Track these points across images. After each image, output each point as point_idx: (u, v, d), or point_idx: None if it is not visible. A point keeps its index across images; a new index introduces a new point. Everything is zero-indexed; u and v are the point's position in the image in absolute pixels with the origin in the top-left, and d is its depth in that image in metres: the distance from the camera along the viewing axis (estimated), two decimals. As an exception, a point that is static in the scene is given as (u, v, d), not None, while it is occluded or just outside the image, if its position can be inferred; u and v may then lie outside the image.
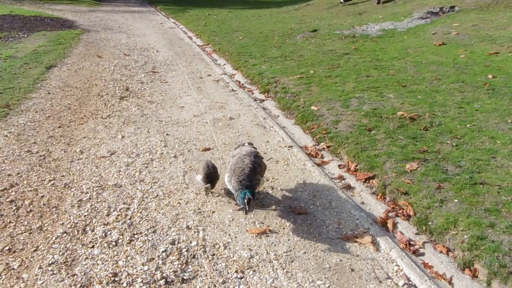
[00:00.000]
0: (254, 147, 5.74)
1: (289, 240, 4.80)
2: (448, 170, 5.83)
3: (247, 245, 4.70)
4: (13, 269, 4.40)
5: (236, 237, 4.85)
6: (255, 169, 4.88)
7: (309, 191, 5.85)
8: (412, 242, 4.79)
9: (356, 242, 4.76)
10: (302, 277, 4.22)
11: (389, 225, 5.10)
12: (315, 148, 7.39)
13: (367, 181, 6.09)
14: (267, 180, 6.10)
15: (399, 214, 5.30)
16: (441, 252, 4.60)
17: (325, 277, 4.22)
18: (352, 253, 4.58)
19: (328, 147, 7.32)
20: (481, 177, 5.55)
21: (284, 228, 5.01)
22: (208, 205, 5.50)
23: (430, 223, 4.94)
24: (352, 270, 4.33)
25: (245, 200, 4.64)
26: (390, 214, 5.31)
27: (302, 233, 4.92)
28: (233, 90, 11.17)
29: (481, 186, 5.36)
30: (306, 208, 5.41)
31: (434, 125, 7.42)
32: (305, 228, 5.01)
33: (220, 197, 5.69)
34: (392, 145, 6.71)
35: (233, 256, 4.52)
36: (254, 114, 9.19)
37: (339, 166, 6.67)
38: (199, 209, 5.41)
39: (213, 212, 5.35)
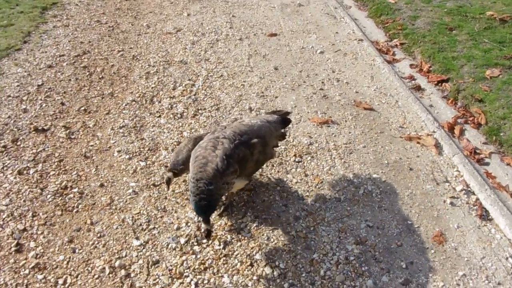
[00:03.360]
0: (277, 118, 3.84)
1: (349, 132, 4.76)
2: (533, 81, 5.34)
3: (308, 133, 4.74)
4: (89, 127, 4.75)
5: (297, 124, 4.87)
6: (226, 167, 3.11)
7: (375, 87, 5.63)
8: (477, 151, 4.60)
9: (418, 143, 4.64)
10: (359, 168, 4.26)
11: (456, 131, 4.89)
12: (387, 44, 6.93)
13: (439, 84, 5.74)
14: (333, 72, 5.92)
15: (469, 122, 5.04)
16: (508, 164, 4.42)
17: (382, 172, 4.24)
18: (412, 153, 4.50)
19: (401, 44, 6.84)
20: None
21: (346, 121, 4.95)
22: (272, 90, 5.48)
23: (501, 134, 4.68)
24: (411, 169, 4.29)
25: (202, 227, 3.39)
26: (459, 120, 5.06)
27: (364, 127, 4.86)
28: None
29: None
30: (371, 104, 5.26)
31: (526, 31, 6.64)
32: (367, 123, 4.93)
33: (284, 83, 5.62)
34: (474, 48, 6.14)
35: (292, 141, 4.60)
36: (324, 3, 8.61)
37: (411, 65, 6.28)
38: (262, 92, 5.42)
39: (276, 97, 5.34)
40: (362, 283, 3.17)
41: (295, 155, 4.38)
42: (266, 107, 5.12)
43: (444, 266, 3.31)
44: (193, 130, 4.67)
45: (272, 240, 3.48)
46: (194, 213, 3.01)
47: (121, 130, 4.67)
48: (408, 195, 3.97)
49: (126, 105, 5.11)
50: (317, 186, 4.04)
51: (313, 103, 5.24)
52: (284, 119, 3.93)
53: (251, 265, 3.26)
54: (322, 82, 5.68)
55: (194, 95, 5.31)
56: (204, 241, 3.42)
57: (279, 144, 4.09)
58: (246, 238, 3.48)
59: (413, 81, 5.91)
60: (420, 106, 5.24)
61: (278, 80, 5.70)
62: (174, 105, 5.10)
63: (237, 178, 3.27)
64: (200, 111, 5.01)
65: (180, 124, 4.79)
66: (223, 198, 3.70)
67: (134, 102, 5.16)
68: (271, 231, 3.55)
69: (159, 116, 4.91)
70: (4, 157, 4.27)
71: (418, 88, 5.72)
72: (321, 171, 4.21)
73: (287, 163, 4.31)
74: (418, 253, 3.41)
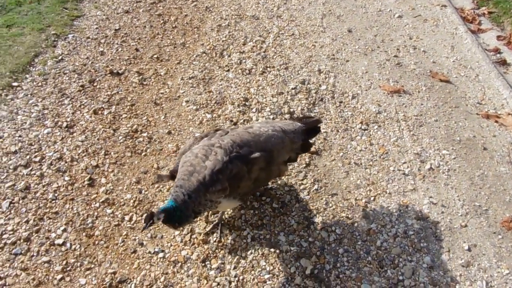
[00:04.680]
0: (299, 127, 3.23)
1: (421, 104, 4.54)
2: None
3: (377, 101, 4.57)
4: (160, 75, 4.88)
5: (366, 90, 4.71)
6: (213, 183, 2.69)
7: (455, 58, 5.26)
8: None
9: (497, 122, 4.34)
10: (428, 143, 4.08)
11: (542, 114, 4.52)
12: (473, 12, 6.39)
13: (529, 61, 5.26)
14: (410, 39, 5.58)
15: (558, 105, 4.62)
16: None
17: (452, 149, 4.03)
18: (489, 132, 4.23)
19: (489, 13, 6.29)
20: None
21: (419, 92, 4.71)
22: (343, 53, 5.30)
23: None
24: (485, 149, 4.05)
25: (145, 216, 2.77)
26: (546, 102, 4.65)
27: (438, 100, 4.60)
28: None
29: None
30: (448, 76, 4.95)
31: None
32: (442, 96, 4.66)
33: (357, 47, 5.40)
34: None
35: (360, 108, 4.46)
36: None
37: (498, 37, 5.77)
38: (333, 55, 5.25)
39: (347, 61, 5.16)
40: (419, 258, 3.11)
41: (361, 123, 4.27)
42: (336, 71, 4.98)
43: None
44: (260, 88, 4.66)
45: (330, 205, 3.47)
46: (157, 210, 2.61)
47: (190, 81, 4.76)
48: (478, 176, 3.77)
49: (196, 56, 5.17)
50: (381, 157, 3.93)
51: (386, 70, 5.01)
52: (309, 129, 3.29)
53: (308, 227, 3.29)
54: (397, 49, 5.39)
55: (264, 52, 5.26)
56: (264, 197, 3.49)
57: (298, 158, 3.56)
58: (304, 200, 3.50)
59: (498, 55, 5.46)
60: (503, 82, 4.86)
61: (350, 43, 5.48)
62: (243, 61, 5.08)
63: (225, 198, 2.79)
64: (268, 68, 4.97)
65: (248, 80, 4.79)
66: (205, 214, 3.26)
67: (204, 54, 5.20)
68: (330, 197, 3.54)
69: (228, 70, 4.93)
70: (82, 96, 4.51)
71: (503, 63, 5.28)
72: (387, 142, 4.08)
73: (353, 129, 4.21)
74: (483, 236, 3.27)
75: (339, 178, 3.72)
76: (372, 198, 3.55)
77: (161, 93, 4.61)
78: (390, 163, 3.87)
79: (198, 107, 4.40)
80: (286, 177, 3.67)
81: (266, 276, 2.96)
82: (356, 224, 3.34)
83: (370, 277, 3.00)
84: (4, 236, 3.17)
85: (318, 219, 3.34)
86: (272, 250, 3.12)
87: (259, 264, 3.03)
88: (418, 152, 3.97)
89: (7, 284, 2.89)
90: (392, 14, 6.16)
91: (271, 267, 3.01)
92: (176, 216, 2.65)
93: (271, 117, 4.26)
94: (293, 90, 4.63)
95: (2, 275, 2.93)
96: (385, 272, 3.04)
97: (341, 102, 4.53)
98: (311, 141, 3.45)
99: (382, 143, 4.07)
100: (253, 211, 3.38)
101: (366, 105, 4.50)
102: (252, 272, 2.99)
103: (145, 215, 3.00)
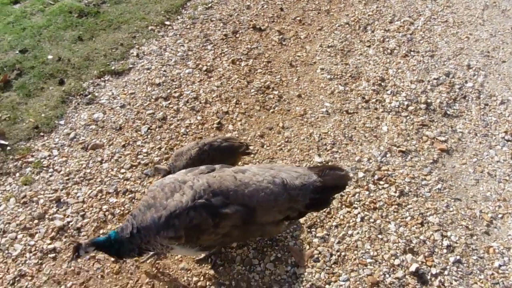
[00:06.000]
0: (310, 183, 2.54)
1: None
2: None
3: (530, 112, 4.08)
4: (299, 37, 4.88)
5: (518, 98, 4.23)
6: (165, 228, 2.32)
7: None
8: None
9: None
10: None
11: None
12: None
13: None
14: None
15: None
16: None
17: None
18: None
19: None
20: None
21: None
22: (501, 52, 4.77)
23: None
24: None
25: (72, 247, 2.50)
26: None
27: None
28: None
29: None
30: None
31: None
32: None
33: (518, 48, 4.83)
34: None
35: (508, 116, 4.02)
36: None
37: None
38: (488, 52, 4.76)
39: (504, 61, 4.64)
40: (542, 294, 2.80)
41: (506, 132, 3.86)
42: (488, 70, 4.52)
43: None
44: (399, 71, 4.43)
45: (451, 209, 3.25)
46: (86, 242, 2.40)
47: (328, 49, 4.69)
48: None
49: (339, 26, 5.05)
50: (522, 173, 3.54)
51: None
52: (327, 187, 2.57)
53: (422, 224, 3.13)
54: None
55: (410, 34, 4.95)
56: (382, 182, 3.38)
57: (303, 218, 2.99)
58: (424, 196, 3.32)
59: None
60: None
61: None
62: (387, 39, 4.85)
63: (180, 246, 2.41)
64: (412, 52, 4.68)
65: (388, 60, 4.57)
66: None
67: (347, 25, 5.06)
68: (452, 200, 3.31)
69: (369, 46, 4.75)
70: (224, 44, 4.71)
71: None
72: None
73: (494, 137, 3.83)
74: None
75: (466, 184, 3.44)
76: (499, 216, 3.24)
77: (298, 56, 4.62)
78: (530, 183, 3.47)
79: (332, 77, 4.34)
80: (409, 168, 3.50)
81: (368, 260, 2.91)
82: (475, 237, 3.09)
83: (480, 296, 2.80)
84: (139, 156, 3.52)
85: (434, 220, 3.16)
86: (380, 236, 3.04)
87: (364, 246, 2.98)
88: None
89: (135, 198, 3.23)
90: None
91: (375, 253, 2.95)
92: (114, 249, 2.41)
93: (405, 103, 4.04)
94: (435, 81, 4.32)
95: (133, 189, 3.28)
96: (497, 295, 2.81)
97: (486, 104, 4.13)
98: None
99: (526, 159, 3.66)
100: (368, 192, 3.30)
101: (515, 114, 4.05)
102: (355, 252, 2.95)
103: (72, 246, 2.69)
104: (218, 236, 2.43)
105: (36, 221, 3.06)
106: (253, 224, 2.47)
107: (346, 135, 3.75)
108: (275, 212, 2.50)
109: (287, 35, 4.89)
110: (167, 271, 2.85)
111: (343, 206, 3.21)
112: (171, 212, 2.30)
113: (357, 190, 3.32)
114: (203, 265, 2.87)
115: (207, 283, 2.78)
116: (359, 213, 3.17)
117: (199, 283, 2.77)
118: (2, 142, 3.55)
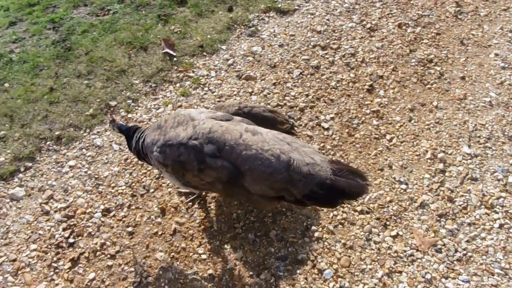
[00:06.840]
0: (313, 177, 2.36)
1: None
2: None
3: None
4: (479, 14, 4.40)
5: None
6: (160, 150, 2.47)
7: None
8: None
9: None
10: None
11: None
12: None
13: None
14: None
15: None
16: None
17: None
18: None
19: None
20: None
21: None
22: None
23: None
24: None
25: (111, 120, 2.99)
26: None
27: None
28: None
29: None
30: None
31: None
32: None
33: None
34: None
35: None
36: None
37: None
38: None
39: None
40: None
41: None
42: None
43: None
44: None
45: None
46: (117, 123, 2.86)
47: (510, 34, 4.18)
48: None
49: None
50: None
51: None
52: (336, 188, 2.35)
53: None
54: None
55: None
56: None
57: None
58: None
59: None
60: None
61: None
62: None
63: (167, 173, 2.59)
64: None
65: None
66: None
67: (538, 11, 4.42)
68: None
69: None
70: (394, 5, 4.46)
71: None
72: None
73: None
74: None
75: None
76: None
77: (472, 34, 4.20)
78: None
79: (506, 65, 3.89)
80: None
81: (497, 271, 2.71)
82: None
83: None
84: (286, 98, 3.62)
85: None
86: (517, 250, 2.81)
87: (495, 254, 2.79)
88: None
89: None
90: None
91: (507, 266, 2.74)
92: (125, 137, 2.81)
93: None
94: None
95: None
96: None
97: None
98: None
99: None
100: (514, 201, 3.03)
101: None
102: (484, 257, 2.78)
103: (110, 118, 3.34)
104: (203, 182, 2.49)
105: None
106: (240, 187, 2.44)
107: (506, 133, 3.40)
108: (266, 186, 2.40)
109: (465, 9, 4.44)
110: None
111: (483, 206, 3.00)
112: (165, 141, 2.45)
113: (503, 194, 3.06)
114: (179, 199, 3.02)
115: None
116: (499, 218, 2.94)
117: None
118: (171, 52, 3.90)
